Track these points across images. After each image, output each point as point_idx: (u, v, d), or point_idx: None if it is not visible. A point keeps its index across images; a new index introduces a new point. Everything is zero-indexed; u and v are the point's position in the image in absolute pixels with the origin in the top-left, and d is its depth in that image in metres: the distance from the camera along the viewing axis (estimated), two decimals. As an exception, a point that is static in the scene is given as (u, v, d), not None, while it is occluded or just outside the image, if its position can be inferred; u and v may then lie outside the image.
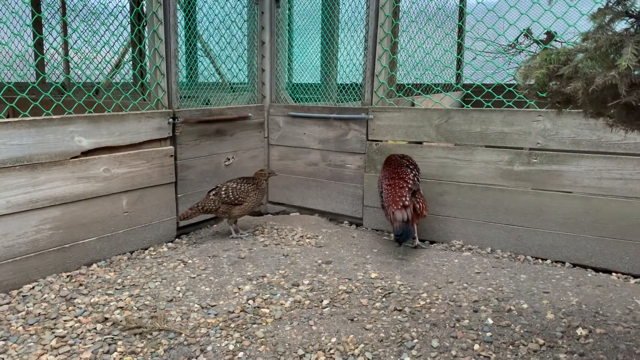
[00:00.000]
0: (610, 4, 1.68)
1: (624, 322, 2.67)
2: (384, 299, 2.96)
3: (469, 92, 4.06)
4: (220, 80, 4.91)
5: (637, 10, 1.64)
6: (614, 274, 3.38)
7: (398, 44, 4.31)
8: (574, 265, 3.52)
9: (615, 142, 3.38)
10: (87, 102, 3.59)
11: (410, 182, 3.68)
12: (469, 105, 3.93)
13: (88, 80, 4.13)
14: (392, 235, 3.92)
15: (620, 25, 1.66)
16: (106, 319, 2.70)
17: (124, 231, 3.69)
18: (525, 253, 3.71)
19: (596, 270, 3.44)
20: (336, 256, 3.64)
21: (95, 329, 2.61)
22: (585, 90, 1.56)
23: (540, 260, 3.62)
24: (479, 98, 3.94)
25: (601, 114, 1.73)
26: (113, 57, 4.90)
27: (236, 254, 3.64)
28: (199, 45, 4.94)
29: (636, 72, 1.52)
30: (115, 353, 2.39)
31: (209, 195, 3.92)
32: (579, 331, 2.56)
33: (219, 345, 2.48)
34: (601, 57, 1.53)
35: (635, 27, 1.59)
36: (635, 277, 3.33)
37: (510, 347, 2.46)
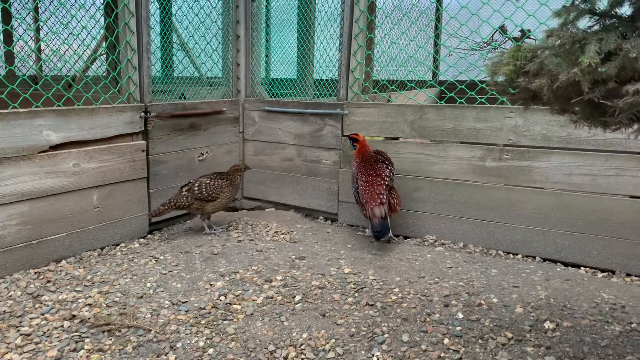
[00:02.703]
0: (576, 2, 1.70)
1: (590, 315, 2.72)
2: (356, 294, 2.96)
3: (442, 88, 4.09)
4: (195, 74, 4.86)
5: (602, 8, 1.66)
6: (582, 268, 3.44)
7: (373, 39, 4.32)
8: (544, 259, 3.58)
9: (584, 138, 3.43)
10: (56, 96, 3.52)
11: (387, 178, 3.70)
12: (442, 102, 3.96)
13: (59, 74, 4.04)
14: (368, 230, 3.94)
15: (586, 23, 1.68)
16: (74, 316, 2.65)
17: (95, 227, 3.63)
18: (497, 248, 3.75)
19: (565, 264, 3.50)
20: (310, 252, 3.64)
21: (62, 326, 2.56)
22: (550, 87, 1.57)
23: (511, 255, 3.67)
24: (452, 94, 3.97)
25: (566, 110, 1.75)
26: (85, 50, 4.81)
27: (209, 250, 3.61)
28: (173, 38, 4.88)
29: (600, 70, 1.54)
30: (82, 351, 2.35)
31: (181, 191, 3.87)
32: (547, 325, 2.60)
33: (188, 342, 2.46)
34: (565, 54, 1.55)
35: (599, 25, 1.61)
36: (602, 271, 3.40)
37: (480, 341, 2.49)
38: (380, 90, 4.53)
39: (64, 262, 3.38)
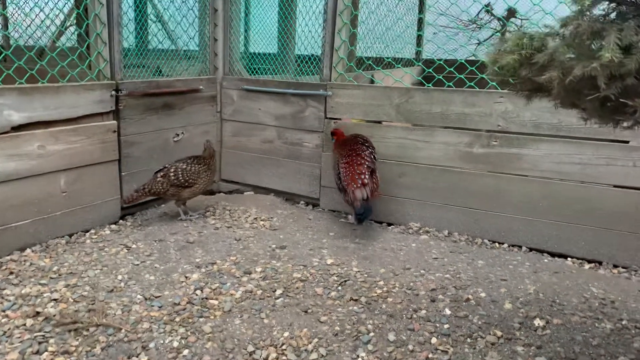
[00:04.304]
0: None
1: (580, 311, 2.64)
2: (339, 288, 2.84)
3: (430, 70, 3.92)
4: (170, 49, 4.59)
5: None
6: (569, 258, 3.37)
7: (358, 16, 4.12)
8: (531, 249, 3.49)
9: (575, 126, 3.32)
10: (19, 73, 3.25)
11: (368, 159, 3.57)
12: (430, 85, 3.80)
13: (25, 45, 3.76)
14: (351, 217, 3.81)
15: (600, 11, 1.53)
16: (38, 313, 2.47)
17: (62, 213, 3.42)
18: (483, 236, 3.66)
19: (552, 254, 3.42)
20: (291, 240, 3.49)
21: (24, 325, 2.38)
22: (562, 81, 1.43)
23: (497, 244, 3.58)
24: (440, 77, 3.81)
25: (575, 105, 1.62)
26: (53, 21, 4.52)
27: (184, 238, 3.44)
28: (147, 11, 4.60)
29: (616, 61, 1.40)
30: (46, 353, 2.18)
31: (156, 176, 3.65)
32: (537, 322, 2.52)
33: (162, 341, 2.30)
34: (580, 45, 1.40)
35: (617, 12, 1.46)
36: (589, 262, 3.33)
37: (468, 339, 2.39)
38: (364, 71, 4.35)
39: (28, 250, 3.18)
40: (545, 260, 3.30)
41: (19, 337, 2.28)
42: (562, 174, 3.37)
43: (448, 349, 2.31)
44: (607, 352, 2.30)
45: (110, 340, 2.30)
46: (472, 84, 3.65)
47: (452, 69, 3.70)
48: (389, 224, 3.92)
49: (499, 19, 6.90)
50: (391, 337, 2.38)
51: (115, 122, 3.70)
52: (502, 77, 1.79)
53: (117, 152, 3.73)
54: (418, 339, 2.37)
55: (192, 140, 4.38)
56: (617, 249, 3.28)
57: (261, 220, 3.84)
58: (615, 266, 3.27)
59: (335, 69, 4.06)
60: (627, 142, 3.23)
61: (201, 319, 2.48)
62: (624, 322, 2.55)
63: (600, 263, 3.31)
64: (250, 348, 2.28)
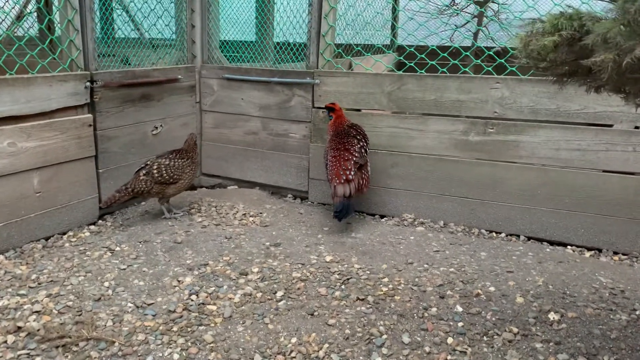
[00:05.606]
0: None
1: (592, 302, 2.57)
2: (343, 287, 2.69)
3: (422, 56, 3.78)
4: (142, 37, 4.33)
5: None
6: (569, 247, 3.31)
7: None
8: (529, 238, 3.42)
9: (574, 111, 3.25)
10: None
11: (357, 154, 3.43)
12: (422, 71, 3.66)
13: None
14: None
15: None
16: (19, 328, 2.25)
17: (37, 215, 3.17)
18: (479, 226, 3.57)
19: (551, 243, 3.36)
20: (285, 237, 3.32)
21: (5, 342, 2.15)
22: (617, 63, 1.30)
23: (494, 234, 3.50)
24: (433, 62, 3.68)
25: (620, 90, 1.50)
26: (13, 8, 4.21)
27: (171, 238, 3.23)
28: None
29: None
30: (33, 374, 1.98)
31: (138, 175, 3.40)
32: (551, 316, 2.43)
33: (161, 354, 2.12)
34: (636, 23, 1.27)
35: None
36: (589, 249, 3.28)
37: (485, 338, 2.28)
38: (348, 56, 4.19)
39: (2, 257, 2.92)
40: (547, 250, 3.23)
41: (1, 357, 2.06)
42: (561, 161, 3.30)
43: (466, 349, 2.20)
44: (627, 345, 2.23)
45: (104, 355, 2.10)
46: (467, 69, 3.53)
47: (446, 54, 3.58)
48: (382, 216, 3.80)
49: (475, 4, 6.82)
50: (405, 338, 2.26)
51: (90, 115, 3.45)
52: (534, 60, 1.66)
53: (93, 147, 3.48)
54: (433, 340, 2.25)
55: (171, 133, 4.15)
56: (617, 236, 3.23)
57: (250, 216, 3.66)
58: (615, 253, 3.22)
59: (322, 56, 3.88)
60: (611, 125, 3.19)
61: (201, 327, 2.30)
62: (637, 313, 2.49)
63: (600, 250, 3.26)
64: (258, 357, 2.12)
